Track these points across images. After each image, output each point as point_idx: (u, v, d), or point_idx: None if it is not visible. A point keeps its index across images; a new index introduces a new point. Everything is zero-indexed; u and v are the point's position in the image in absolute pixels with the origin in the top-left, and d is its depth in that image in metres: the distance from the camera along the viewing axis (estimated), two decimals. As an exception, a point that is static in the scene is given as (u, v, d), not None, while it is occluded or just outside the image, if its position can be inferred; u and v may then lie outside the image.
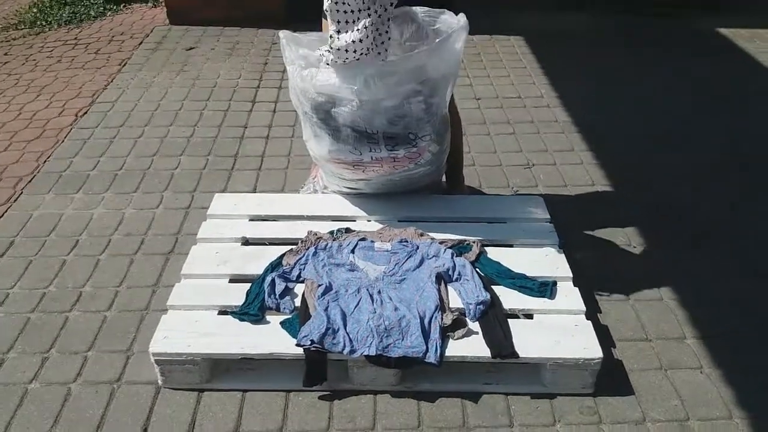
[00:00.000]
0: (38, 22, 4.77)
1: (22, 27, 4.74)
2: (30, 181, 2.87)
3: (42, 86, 3.78)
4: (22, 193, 2.79)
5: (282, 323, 1.91)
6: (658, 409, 1.84)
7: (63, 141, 3.20)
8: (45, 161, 3.03)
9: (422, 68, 2.05)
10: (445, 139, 2.34)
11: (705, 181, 2.88)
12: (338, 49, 1.99)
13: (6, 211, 2.67)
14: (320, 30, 2.30)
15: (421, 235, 2.24)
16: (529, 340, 1.86)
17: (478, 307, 1.94)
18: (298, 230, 2.29)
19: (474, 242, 2.21)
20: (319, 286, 2.01)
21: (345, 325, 1.87)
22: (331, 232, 2.25)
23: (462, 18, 2.09)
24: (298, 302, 1.99)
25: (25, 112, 3.48)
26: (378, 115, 2.11)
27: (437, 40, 2.06)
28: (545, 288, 2.03)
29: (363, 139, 2.17)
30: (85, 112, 3.47)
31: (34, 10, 4.96)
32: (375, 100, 2.06)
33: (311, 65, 2.11)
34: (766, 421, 1.81)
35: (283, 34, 2.16)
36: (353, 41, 1.97)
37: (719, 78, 3.89)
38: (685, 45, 4.37)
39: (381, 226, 2.32)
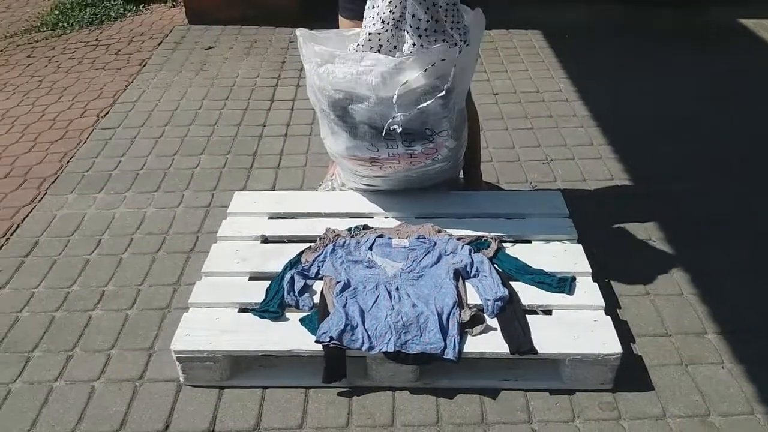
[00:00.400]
0: (60, 24, 4.83)
1: (45, 29, 4.80)
2: (54, 182, 2.92)
3: (64, 87, 3.84)
4: (46, 193, 2.84)
5: (301, 320, 1.93)
6: (678, 404, 1.83)
7: (85, 141, 3.24)
8: (68, 162, 3.07)
9: (439, 64, 2.05)
10: (462, 135, 2.34)
11: (728, 176, 2.84)
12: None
13: (31, 212, 2.72)
14: (337, 27, 2.30)
15: (439, 231, 2.24)
16: (548, 336, 1.86)
17: (496, 303, 1.94)
18: (316, 227, 2.30)
19: (492, 238, 2.21)
20: (338, 283, 2.02)
21: (363, 322, 1.88)
22: (349, 229, 2.26)
23: (478, 13, 2.09)
24: (316, 299, 2.00)
25: (48, 114, 3.54)
26: (395, 112, 2.11)
27: (453, 36, 2.06)
28: (564, 283, 2.03)
29: (380, 135, 2.17)
30: (107, 113, 3.52)
31: (56, 13, 5.02)
32: (392, 97, 2.07)
33: (328, 62, 2.12)
34: (789, 416, 1.80)
35: (300, 32, 2.17)
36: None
37: (743, 70, 3.83)
38: (706, 36, 4.31)
39: (398, 222, 2.33)
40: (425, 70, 2.01)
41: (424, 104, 2.06)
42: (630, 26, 4.49)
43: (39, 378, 1.96)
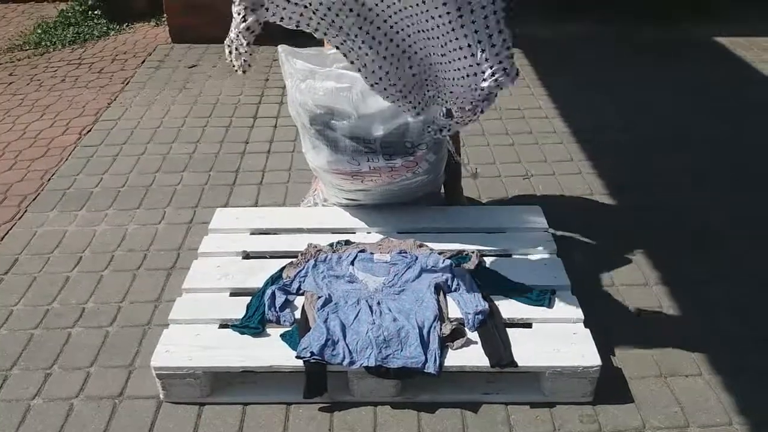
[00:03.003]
0: (43, 43, 4.83)
1: (27, 48, 4.80)
2: (34, 200, 2.90)
3: (46, 105, 3.82)
4: (26, 211, 2.82)
5: (282, 336, 1.93)
6: (658, 416, 1.84)
7: (67, 159, 3.23)
8: (49, 179, 3.06)
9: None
10: (442, 148, 2.36)
11: (703, 188, 2.89)
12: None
13: (11, 229, 2.70)
14: (320, 45, 2.32)
15: (420, 246, 2.25)
16: (528, 349, 1.87)
17: (476, 316, 1.95)
18: (298, 243, 2.30)
19: (473, 252, 2.22)
20: (319, 298, 2.02)
21: (344, 337, 1.88)
22: (331, 245, 2.27)
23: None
24: (298, 314, 2.00)
25: (29, 132, 3.52)
26: (375, 126, 2.14)
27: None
28: (544, 297, 2.04)
29: (361, 149, 2.19)
30: (89, 131, 3.51)
31: (39, 31, 5.02)
32: (372, 113, 2.09)
33: (309, 78, 2.14)
34: (766, 426, 1.81)
35: (282, 48, 2.19)
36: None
37: (716, 86, 3.90)
38: (683, 53, 4.39)
39: (380, 237, 2.33)
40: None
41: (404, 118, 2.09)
42: (608, 43, 4.57)
43: (17, 396, 1.94)
